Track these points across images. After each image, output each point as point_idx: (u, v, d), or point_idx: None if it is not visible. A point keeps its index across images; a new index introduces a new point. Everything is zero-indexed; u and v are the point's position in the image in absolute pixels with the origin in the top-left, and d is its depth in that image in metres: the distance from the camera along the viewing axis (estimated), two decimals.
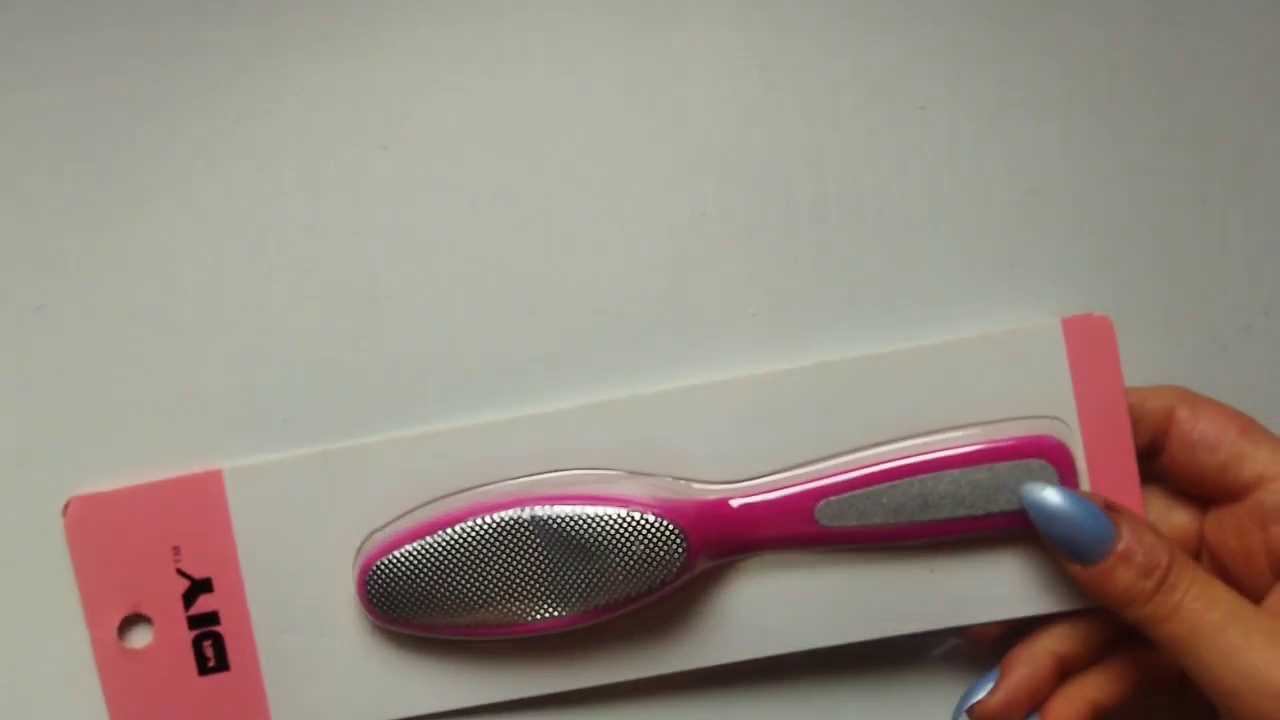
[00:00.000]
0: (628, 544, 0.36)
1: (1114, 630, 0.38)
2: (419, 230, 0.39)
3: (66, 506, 0.38)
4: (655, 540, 0.36)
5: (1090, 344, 0.38)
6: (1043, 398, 0.38)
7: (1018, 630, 0.38)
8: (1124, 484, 0.38)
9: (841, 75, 0.39)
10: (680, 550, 0.36)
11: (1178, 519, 0.38)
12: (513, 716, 0.40)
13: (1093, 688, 0.37)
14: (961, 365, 0.38)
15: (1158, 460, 0.38)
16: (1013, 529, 0.37)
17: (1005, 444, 0.37)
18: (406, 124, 0.39)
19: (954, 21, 0.40)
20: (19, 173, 0.39)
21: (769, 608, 0.38)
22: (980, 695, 0.37)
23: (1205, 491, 0.38)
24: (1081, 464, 0.38)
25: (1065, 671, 0.38)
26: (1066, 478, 0.37)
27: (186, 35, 0.39)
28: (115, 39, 0.39)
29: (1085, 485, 0.38)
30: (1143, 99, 0.40)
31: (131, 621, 0.38)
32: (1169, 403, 0.37)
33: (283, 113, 0.39)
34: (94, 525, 0.38)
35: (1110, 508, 0.36)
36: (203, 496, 0.38)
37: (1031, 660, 0.37)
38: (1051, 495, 0.36)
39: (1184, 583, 0.34)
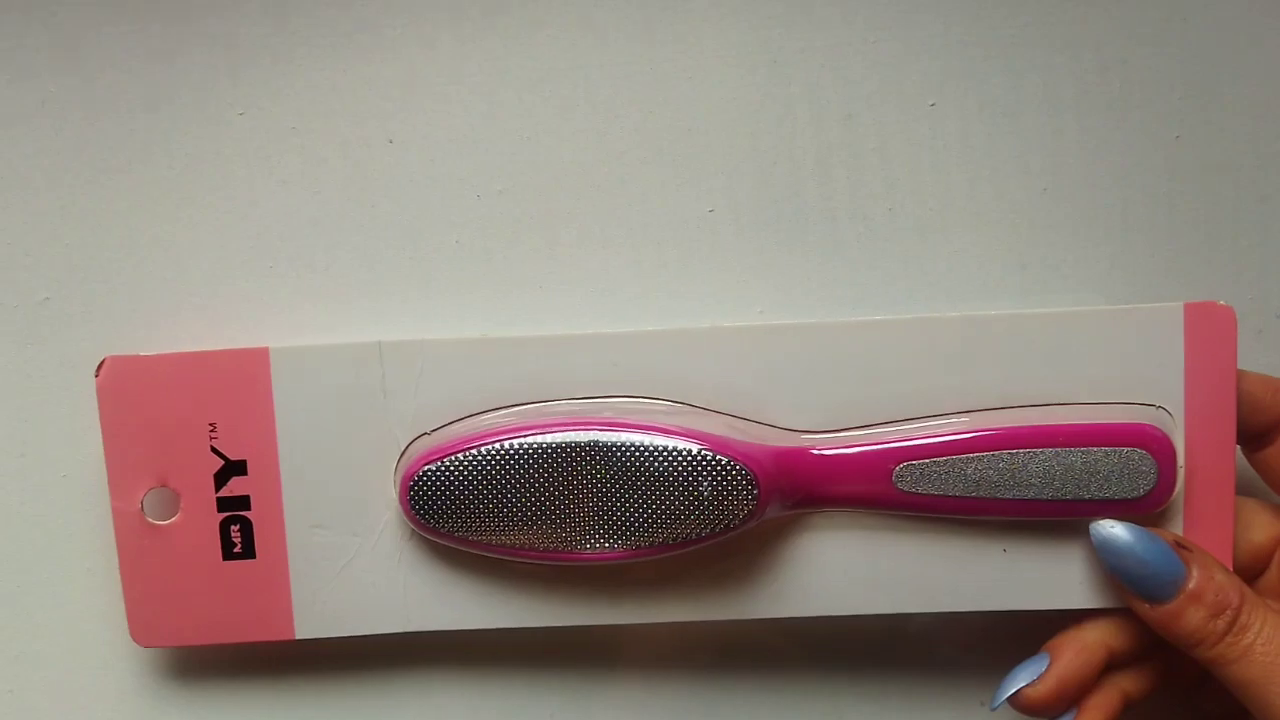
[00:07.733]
0: (695, 483, 0.34)
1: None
2: (422, 224, 0.38)
3: (100, 366, 0.35)
4: (725, 483, 0.34)
5: (1209, 333, 0.35)
6: (1149, 382, 0.35)
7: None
8: (1219, 484, 0.36)
9: (851, 72, 0.38)
10: (750, 496, 0.34)
11: (1259, 528, 0.36)
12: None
13: (1126, 679, 0.36)
14: (1069, 338, 0.35)
15: (1262, 453, 0.36)
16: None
17: (1107, 428, 0.35)
18: (412, 118, 0.38)
19: (964, 18, 0.38)
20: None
21: (827, 567, 0.36)
22: (1026, 681, 0.35)
23: None
24: (1180, 458, 0.35)
25: (1111, 666, 0.36)
26: (1166, 473, 0.35)
27: (191, 29, 0.38)
28: (120, 33, 0.38)
29: (1180, 481, 0.35)
30: (1154, 97, 0.39)
31: (157, 496, 0.36)
32: None
33: (288, 106, 0.38)
34: (128, 390, 0.35)
35: (1180, 545, 0.34)
36: (246, 374, 0.35)
37: (1085, 650, 0.36)
38: (1120, 532, 0.34)
39: (1256, 624, 0.33)
